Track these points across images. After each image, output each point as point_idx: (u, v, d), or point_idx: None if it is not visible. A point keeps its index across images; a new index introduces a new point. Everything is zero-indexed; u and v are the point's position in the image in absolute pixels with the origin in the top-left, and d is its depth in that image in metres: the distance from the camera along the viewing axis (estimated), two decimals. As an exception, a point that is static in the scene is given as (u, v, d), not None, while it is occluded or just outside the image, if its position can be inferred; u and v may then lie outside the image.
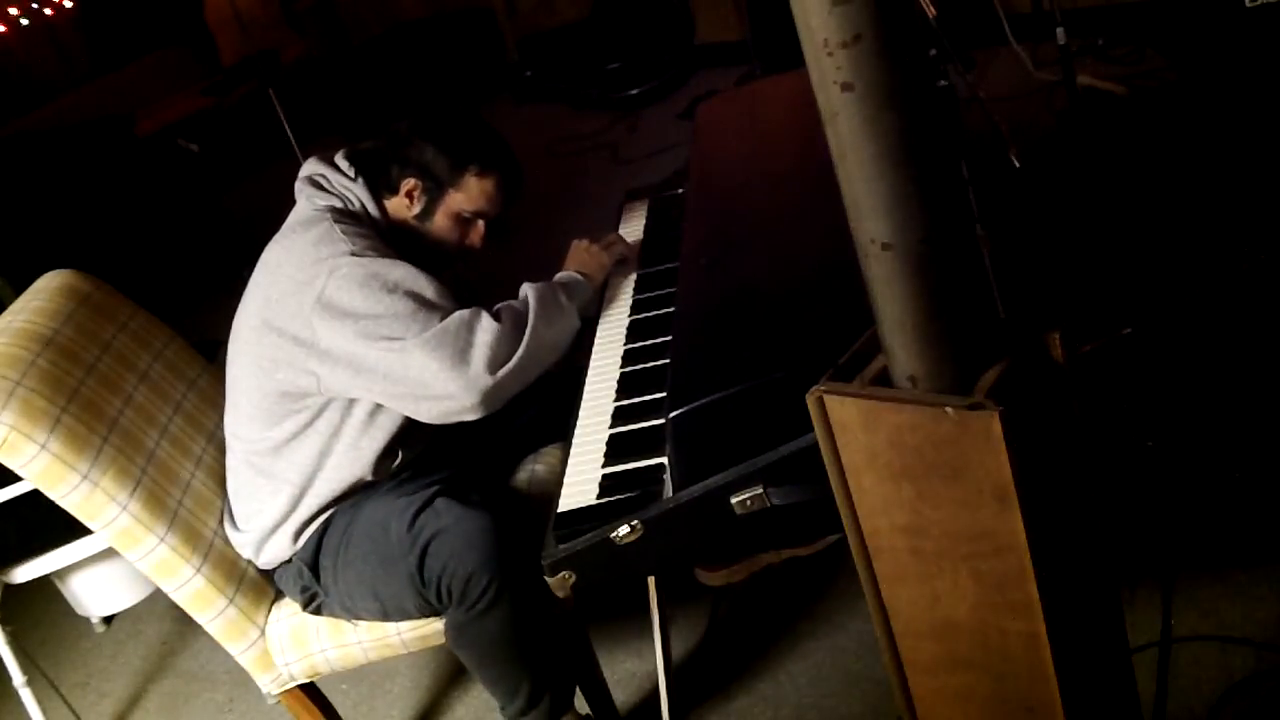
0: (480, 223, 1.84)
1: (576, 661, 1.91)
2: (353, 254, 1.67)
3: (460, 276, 1.97)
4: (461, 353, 1.62)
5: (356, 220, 1.78)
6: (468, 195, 1.80)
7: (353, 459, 1.75)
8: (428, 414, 1.68)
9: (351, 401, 1.72)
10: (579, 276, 1.89)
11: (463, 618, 1.67)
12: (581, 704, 2.00)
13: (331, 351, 1.65)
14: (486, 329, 1.64)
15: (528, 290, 1.77)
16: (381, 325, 1.62)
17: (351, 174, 1.82)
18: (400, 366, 1.62)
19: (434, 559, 1.64)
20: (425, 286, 1.67)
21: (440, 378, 1.61)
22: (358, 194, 1.80)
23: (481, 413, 1.66)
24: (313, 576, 1.77)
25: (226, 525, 1.83)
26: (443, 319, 1.64)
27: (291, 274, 1.70)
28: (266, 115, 5.22)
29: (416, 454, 1.83)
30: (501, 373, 1.64)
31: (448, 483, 1.75)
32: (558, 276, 1.88)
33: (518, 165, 1.85)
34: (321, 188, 1.81)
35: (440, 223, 1.82)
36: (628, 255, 2.04)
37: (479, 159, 1.79)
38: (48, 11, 6.78)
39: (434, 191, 1.80)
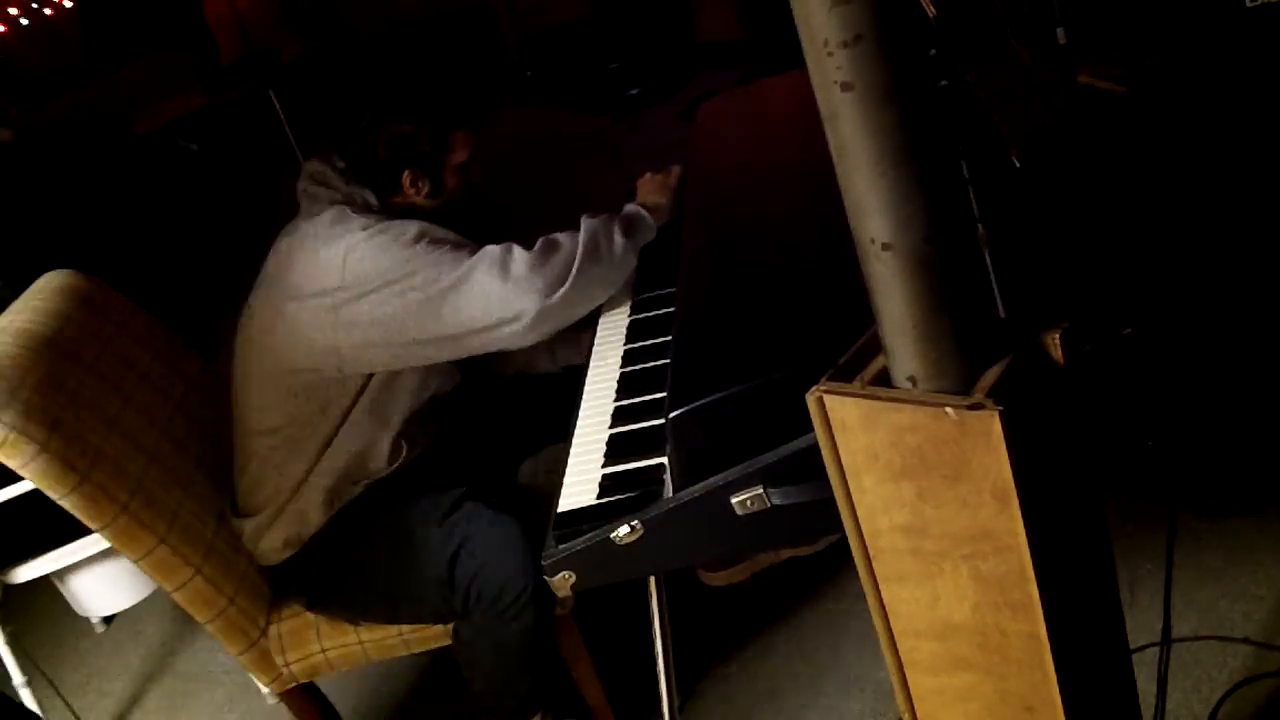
0: (473, 161, 1.88)
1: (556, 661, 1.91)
2: (364, 228, 1.71)
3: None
4: (504, 269, 1.68)
5: (366, 209, 1.81)
6: (459, 149, 1.85)
7: (355, 438, 1.76)
8: (491, 342, 1.71)
9: (363, 387, 1.73)
10: (642, 211, 1.93)
11: (486, 623, 1.67)
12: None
13: (361, 326, 1.68)
14: (519, 251, 1.71)
15: (582, 221, 1.82)
16: (413, 286, 1.66)
17: (351, 175, 1.84)
18: (451, 311, 1.66)
19: (467, 561, 1.64)
20: (445, 234, 1.73)
21: (496, 298, 1.66)
22: (361, 193, 1.83)
23: (538, 327, 1.69)
24: (319, 576, 1.77)
25: (230, 514, 1.83)
26: (472, 254, 1.70)
27: (310, 258, 1.73)
28: (266, 115, 5.22)
29: (421, 450, 1.83)
30: (550, 275, 1.70)
31: (467, 484, 1.75)
32: (624, 209, 1.93)
33: (459, 98, 1.89)
34: (327, 185, 1.83)
35: (451, 182, 1.86)
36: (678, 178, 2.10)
37: (446, 120, 1.83)
38: (48, 11, 6.78)
39: (433, 167, 1.83)
